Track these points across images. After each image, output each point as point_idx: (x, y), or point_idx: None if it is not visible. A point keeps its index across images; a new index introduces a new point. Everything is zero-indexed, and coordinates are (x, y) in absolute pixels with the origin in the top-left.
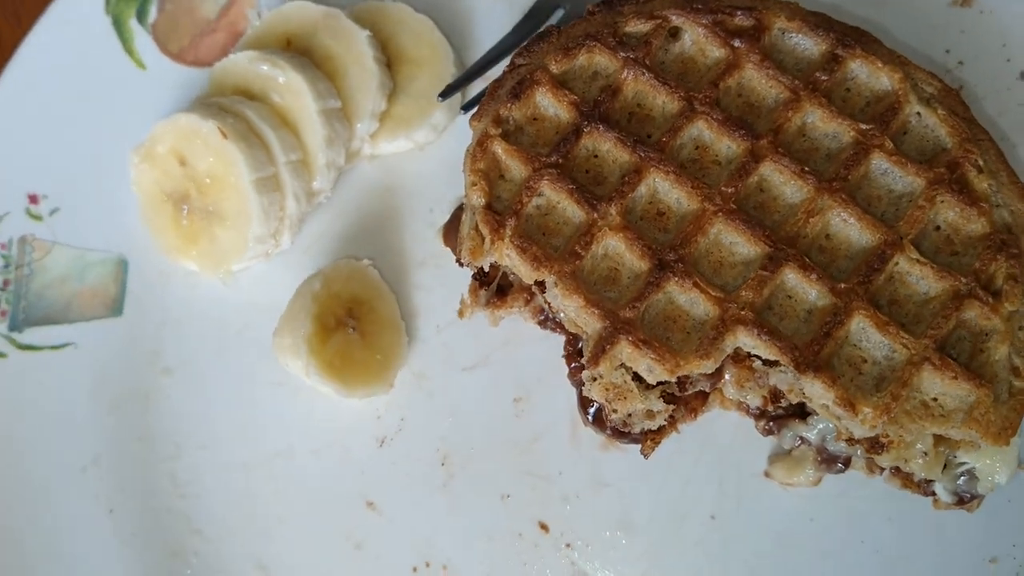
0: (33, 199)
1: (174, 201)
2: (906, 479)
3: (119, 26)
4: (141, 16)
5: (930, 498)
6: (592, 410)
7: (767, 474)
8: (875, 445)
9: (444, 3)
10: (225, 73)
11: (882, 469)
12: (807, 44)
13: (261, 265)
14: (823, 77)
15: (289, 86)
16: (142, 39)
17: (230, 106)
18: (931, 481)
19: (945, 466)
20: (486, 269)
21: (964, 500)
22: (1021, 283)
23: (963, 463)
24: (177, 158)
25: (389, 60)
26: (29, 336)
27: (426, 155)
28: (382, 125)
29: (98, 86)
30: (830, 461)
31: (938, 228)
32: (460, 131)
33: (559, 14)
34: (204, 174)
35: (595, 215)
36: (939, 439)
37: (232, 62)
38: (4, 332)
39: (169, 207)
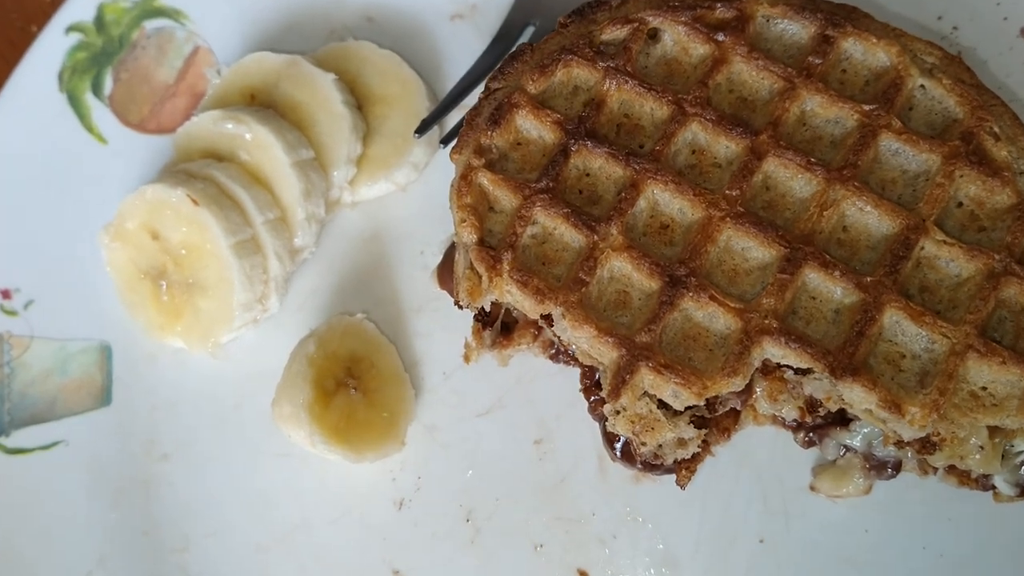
0: (6, 294)
1: (151, 277)
2: (963, 476)
3: (75, 102)
4: (96, 89)
5: (989, 492)
6: (619, 445)
7: (813, 488)
8: (927, 445)
9: (409, 35)
10: (189, 137)
11: (936, 469)
12: (795, 29)
13: (251, 332)
14: (816, 61)
15: (257, 142)
16: (100, 113)
17: (198, 171)
18: (989, 475)
19: (1003, 457)
20: (487, 308)
21: None
22: None
23: (1021, 452)
24: (149, 232)
25: (359, 101)
26: (17, 439)
27: (410, 195)
28: (360, 169)
29: (60, 168)
30: (879, 467)
31: (961, 205)
32: (442, 166)
33: (529, 32)
34: (179, 245)
35: (595, 237)
36: (994, 430)
37: (195, 125)
38: None
39: (147, 284)
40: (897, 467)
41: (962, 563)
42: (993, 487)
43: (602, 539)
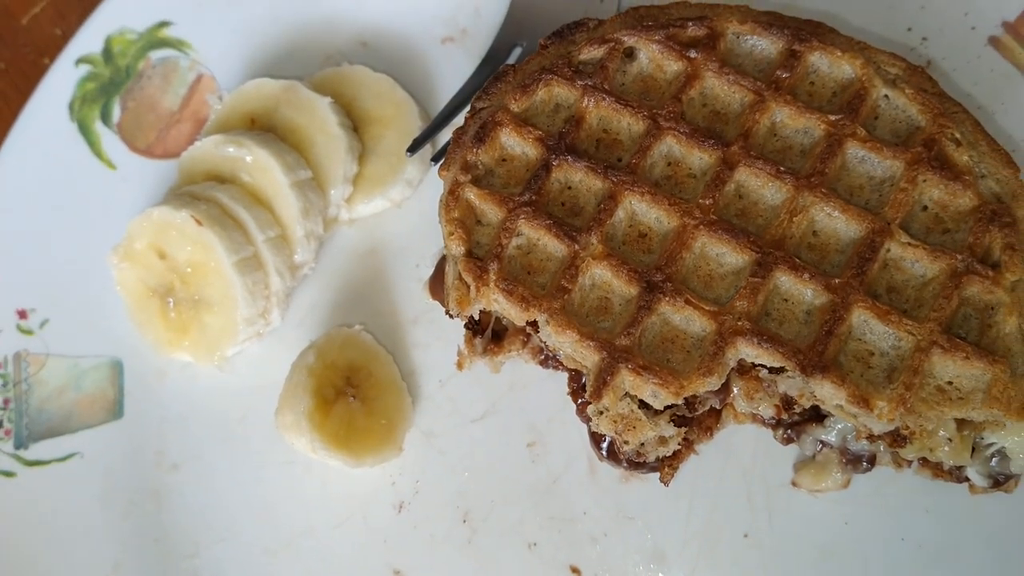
0: (22, 314)
1: (159, 295)
2: (936, 468)
3: (85, 130)
4: (105, 117)
5: (965, 484)
6: (604, 444)
7: (794, 483)
8: (897, 438)
9: (403, 59)
10: (193, 161)
11: (910, 462)
12: (763, 44)
13: (255, 346)
14: (784, 75)
15: (257, 164)
16: (109, 140)
17: (202, 193)
18: (962, 467)
19: (974, 450)
20: (476, 317)
21: (1000, 482)
22: (1020, 251)
23: (991, 444)
24: (156, 252)
25: (355, 123)
26: (35, 451)
27: (405, 211)
28: (357, 188)
29: (72, 193)
30: (855, 461)
31: (925, 208)
32: (436, 183)
33: (516, 53)
34: (185, 264)
35: (576, 247)
36: (962, 423)
37: (198, 149)
38: (10, 451)
39: (155, 302)
40: (872, 461)
41: (940, 553)
42: (967, 479)
43: (593, 537)
